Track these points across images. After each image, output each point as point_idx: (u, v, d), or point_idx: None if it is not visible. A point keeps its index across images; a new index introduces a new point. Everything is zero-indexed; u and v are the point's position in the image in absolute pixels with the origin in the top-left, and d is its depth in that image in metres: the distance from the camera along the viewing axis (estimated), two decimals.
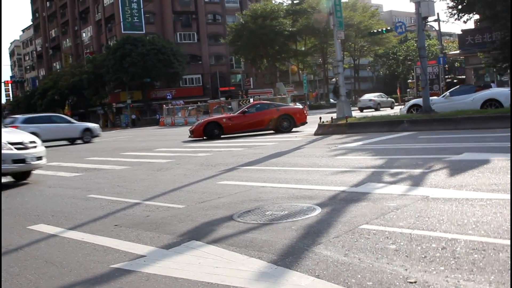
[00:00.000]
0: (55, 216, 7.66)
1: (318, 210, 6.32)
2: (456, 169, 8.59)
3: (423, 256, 4.28)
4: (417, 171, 8.81)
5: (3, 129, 12.40)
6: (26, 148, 11.94)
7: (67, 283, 4.46)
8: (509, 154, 9.40)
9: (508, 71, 31.01)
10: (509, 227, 4.87)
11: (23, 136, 12.62)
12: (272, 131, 23.78)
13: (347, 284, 3.82)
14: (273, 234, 5.43)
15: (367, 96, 52.84)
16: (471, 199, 6.20)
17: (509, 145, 10.66)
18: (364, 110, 47.83)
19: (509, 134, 12.33)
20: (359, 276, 3.96)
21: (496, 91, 20.92)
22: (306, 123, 24.73)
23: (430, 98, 20.94)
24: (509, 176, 7.38)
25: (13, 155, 11.49)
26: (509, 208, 5.58)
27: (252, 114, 23.59)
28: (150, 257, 5.01)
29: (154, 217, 6.92)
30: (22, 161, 11.71)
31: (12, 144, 11.65)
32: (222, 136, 23.18)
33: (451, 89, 24.14)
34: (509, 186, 6.66)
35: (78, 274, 4.67)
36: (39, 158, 12.37)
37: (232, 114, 24.75)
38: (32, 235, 6.45)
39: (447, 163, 9.32)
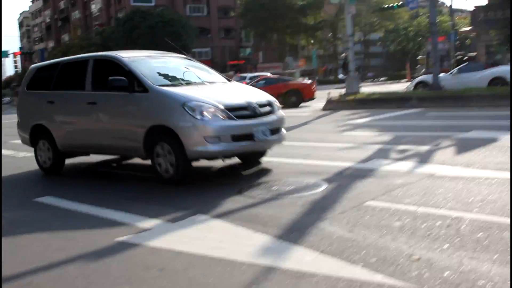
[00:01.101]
0: (62, 188, 7.71)
1: (325, 186, 6.32)
2: (464, 147, 8.55)
3: (427, 233, 4.28)
4: (424, 148, 8.78)
5: (210, 85, 8.13)
6: (254, 114, 7.32)
7: (73, 255, 4.49)
8: None
9: None
10: None
11: (249, 93, 8.01)
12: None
13: (351, 260, 3.83)
14: (278, 209, 5.45)
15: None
16: (477, 177, 6.18)
17: None
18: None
19: None
20: (364, 252, 3.97)
21: (502, 69, 20.82)
22: (314, 98, 24.61)
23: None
24: None
25: (233, 128, 7.01)
26: None
27: (260, 89, 23.26)
28: (155, 230, 5.04)
29: (162, 190, 6.94)
30: (249, 137, 7.14)
31: (229, 109, 7.04)
32: None
33: (459, 66, 23.98)
34: None
35: (83, 247, 4.70)
36: (276, 130, 7.69)
37: None
38: (39, 207, 6.51)
39: (454, 141, 9.28)
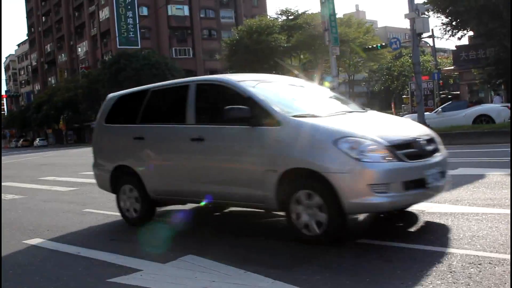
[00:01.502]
0: (51, 230, 7.63)
1: None
2: (451, 184, 8.60)
3: (419, 270, 4.29)
4: None
5: (353, 115, 6.28)
6: (423, 153, 5.58)
7: None
8: (504, 169, 9.46)
9: (502, 87, 31.21)
10: (506, 241, 4.89)
11: (408, 126, 6.23)
12: None
13: None
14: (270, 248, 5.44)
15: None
16: (466, 213, 6.23)
17: (504, 161, 10.73)
18: None
19: (504, 149, 12.41)
20: None
21: (487, 107, 21.21)
22: None
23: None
24: (504, 191, 7.41)
25: (405, 171, 5.28)
26: (504, 222, 5.60)
27: None
28: (146, 271, 5.00)
29: (146, 230, 6.91)
30: (421, 183, 5.39)
31: (395, 146, 5.28)
32: None
33: (443, 105, 24.34)
34: (505, 201, 6.70)
35: None
36: (443, 173, 5.97)
37: None
38: (28, 250, 6.44)
39: None
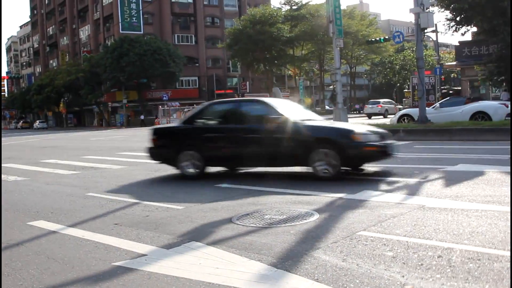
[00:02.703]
0: (54, 213, 7.72)
1: (316, 216, 6.41)
2: (452, 179, 8.71)
3: (419, 263, 4.38)
4: (413, 180, 8.93)
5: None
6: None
7: (70, 279, 4.54)
8: (504, 167, 9.55)
9: (504, 84, 31.19)
10: (504, 237, 4.99)
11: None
12: None
13: None
14: (272, 237, 5.53)
15: (374, 101, 53.00)
16: (466, 209, 6.32)
17: (504, 158, 10.82)
18: (373, 117, 47.91)
19: (504, 147, 12.49)
20: (358, 281, 4.06)
21: (485, 104, 21.25)
22: None
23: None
24: (504, 188, 7.50)
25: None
26: (503, 219, 5.69)
27: None
28: (151, 256, 5.10)
29: (154, 217, 7.00)
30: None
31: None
32: None
33: (441, 101, 24.40)
34: (504, 198, 6.79)
35: (80, 271, 4.75)
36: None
37: None
38: (33, 231, 6.52)
39: (442, 174, 9.44)
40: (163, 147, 11.45)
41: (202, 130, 11.13)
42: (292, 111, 10.67)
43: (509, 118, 19.10)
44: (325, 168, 9.37)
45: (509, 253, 4.49)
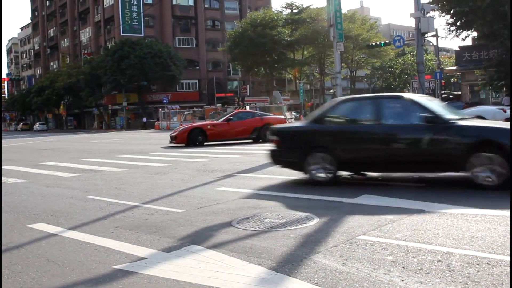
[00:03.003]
0: (54, 215, 7.73)
1: (316, 220, 6.42)
2: (452, 184, 8.71)
3: (419, 268, 4.39)
4: (413, 185, 8.95)
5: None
6: None
7: (70, 282, 4.55)
8: None
9: (504, 89, 31.25)
10: (504, 242, 5.00)
11: None
12: (251, 140, 23.61)
13: None
14: (272, 241, 5.54)
15: None
16: (465, 214, 6.33)
17: None
18: None
19: None
20: (357, 285, 4.07)
21: (482, 109, 21.38)
22: None
23: None
24: (504, 193, 7.51)
25: None
26: (503, 224, 5.70)
27: (236, 122, 23.35)
28: (151, 259, 5.10)
29: (154, 220, 7.01)
30: None
31: None
32: (205, 144, 22.68)
33: None
34: (503, 204, 6.80)
35: (80, 274, 4.76)
36: None
37: (216, 122, 24.09)
38: (33, 234, 6.53)
39: (442, 178, 9.44)
40: (288, 149, 10.30)
41: (335, 130, 9.91)
42: (442, 108, 9.42)
43: None
44: (488, 175, 8.00)
45: (508, 258, 4.51)
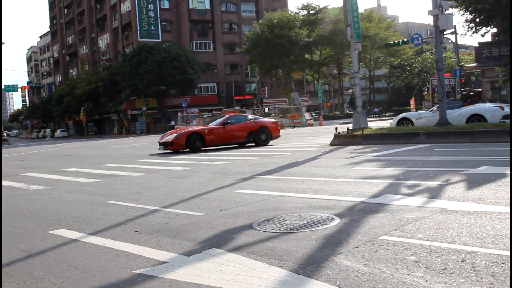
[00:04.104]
0: (76, 221, 7.76)
1: (337, 220, 6.37)
2: (474, 182, 8.60)
3: (443, 268, 4.32)
4: (435, 183, 8.83)
5: None
6: None
7: (91, 287, 4.54)
8: None
9: None
10: None
11: None
12: (244, 144, 23.65)
13: None
14: (293, 243, 5.49)
15: None
16: (489, 212, 6.23)
17: None
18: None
19: None
20: (380, 286, 4.01)
21: (480, 107, 21.35)
22: (279, 137, 25.29)
23: (418, 112, 21.39)
24: None
25: None
26: None
27: (232, 126, 23.09)
28: (171, 263, 5.09)
29: (174, 224, 7.00)
30: None
31: None
32: (202, 149, 22.21)
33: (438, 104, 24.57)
34: None
35: (102, 279, 4.75)
36: None
37: (212, 126, 23.24)
38: (54, 240, 6.55)
39: (464, 176, 9.33)
40: None
41: None
42: None
43: (504, 120, 19.18)
44: None
45: None
